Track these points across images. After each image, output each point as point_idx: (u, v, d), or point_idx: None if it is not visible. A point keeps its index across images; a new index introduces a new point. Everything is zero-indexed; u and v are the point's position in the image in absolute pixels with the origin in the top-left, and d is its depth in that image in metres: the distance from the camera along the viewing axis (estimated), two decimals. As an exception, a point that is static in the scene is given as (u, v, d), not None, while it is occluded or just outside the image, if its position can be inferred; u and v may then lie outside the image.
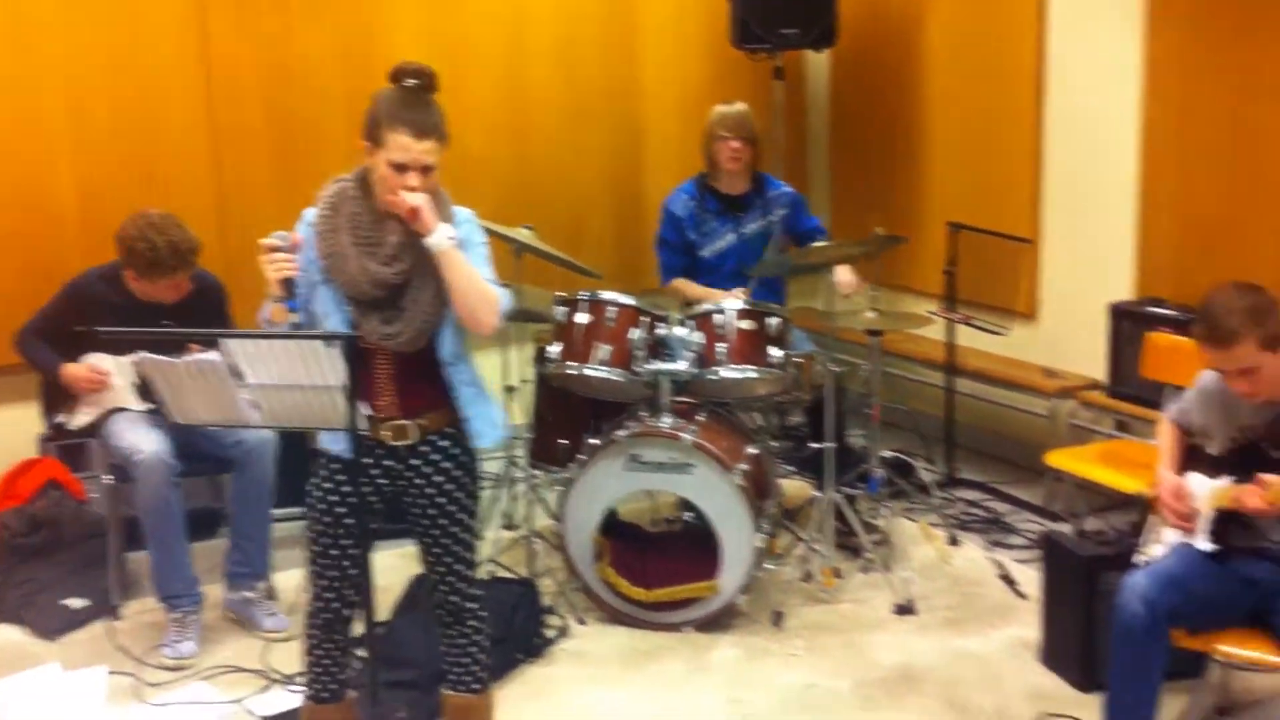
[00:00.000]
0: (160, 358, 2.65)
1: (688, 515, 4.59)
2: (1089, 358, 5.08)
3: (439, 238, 2.89)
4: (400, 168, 2.90)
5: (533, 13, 5.69)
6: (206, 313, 4.19)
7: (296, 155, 5.25)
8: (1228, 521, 3.18)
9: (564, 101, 5.81)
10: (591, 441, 4.19)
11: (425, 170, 2.91)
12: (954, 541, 4.81)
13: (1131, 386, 4.74)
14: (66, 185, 4.85)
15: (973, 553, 4.74)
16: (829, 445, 4.32)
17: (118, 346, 4.06)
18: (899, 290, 6.02)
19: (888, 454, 5.08)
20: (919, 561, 4.62)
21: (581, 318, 4.22)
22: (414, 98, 2.94)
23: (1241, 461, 3.19)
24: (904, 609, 4.26)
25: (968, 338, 5.36)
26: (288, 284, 2.86)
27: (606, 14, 5.86)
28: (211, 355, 2.66)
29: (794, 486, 4.95)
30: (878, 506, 4.63)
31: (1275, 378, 3.08)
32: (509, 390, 4.60)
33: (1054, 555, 3.86)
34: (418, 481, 3.08)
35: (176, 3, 4.99)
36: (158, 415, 4.07)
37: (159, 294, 4.10)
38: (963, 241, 5.29)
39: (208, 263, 4.47)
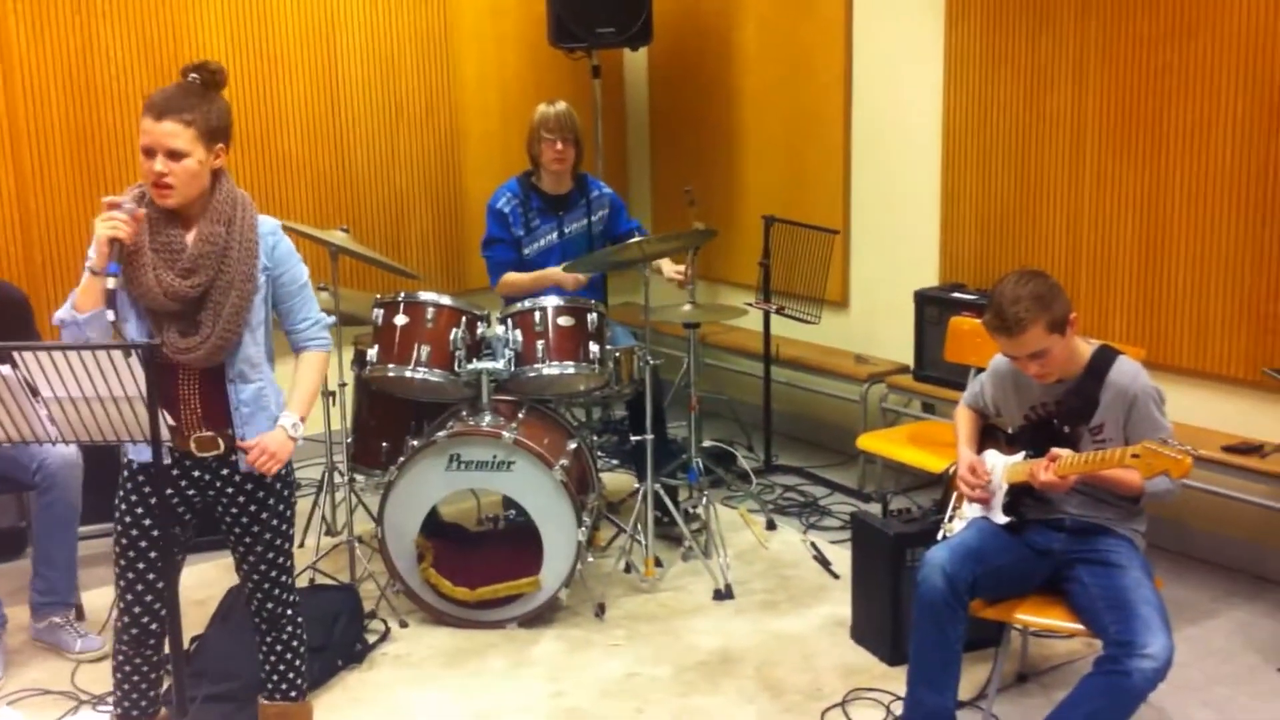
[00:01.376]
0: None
1: (511, 513, 4.60)
2: (897, 344, 5.26)
3: (292, 435, 3.01)
4: (148, 152, 2.85)
5: (345, 14, 5.64)
6: (8, 328, 4.03)
7: (100, 163, 5.11)
8: (1022, 495, 3.32)
9: (381, 102, 5.78)
10: (412, 443, 4.18)
11: (173, 155, 2.84)
12: (771, 526, 4.93)
13: (937, 369, 4.92)
14: None
15: (789, 536, 4.87)
16: (648, 437, 4.39)
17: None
18: (716, 283, 6.14)
19: (708, 444, 5.19)
20: (738, 547, 4.73)
21: (400, 319, 4.21)
22: (177, 88, 2.89)
23: (1034, 438, 3.33)
24: (722, 594, 4.35)
25: (783, 327, 5.49)
26: (116, 246, 2.76)
27: (420, 15, 5.84)
28: (3, 369, 2.58)
29: (617, 479, 5.01)
30: (698, 495, 4.73)
31: (1063, 358, 3.22)
32: (328, 395, 4.54)
33: (862, 534, 3.99)
34: (228, 490, 3.05)
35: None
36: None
37: None
38: (776, 234, 5.42)
39: (11, 276, 4.34)
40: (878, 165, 5.48)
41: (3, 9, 4.86)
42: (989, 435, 3.54)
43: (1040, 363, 3.21)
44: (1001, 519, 3.33)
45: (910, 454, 4.48)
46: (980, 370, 3.60)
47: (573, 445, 4.32)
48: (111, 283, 2.74)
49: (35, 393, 2.62)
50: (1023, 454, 3.33)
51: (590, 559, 4.31)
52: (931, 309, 5.01)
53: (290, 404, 3.05)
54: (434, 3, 5.87)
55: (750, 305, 5.22)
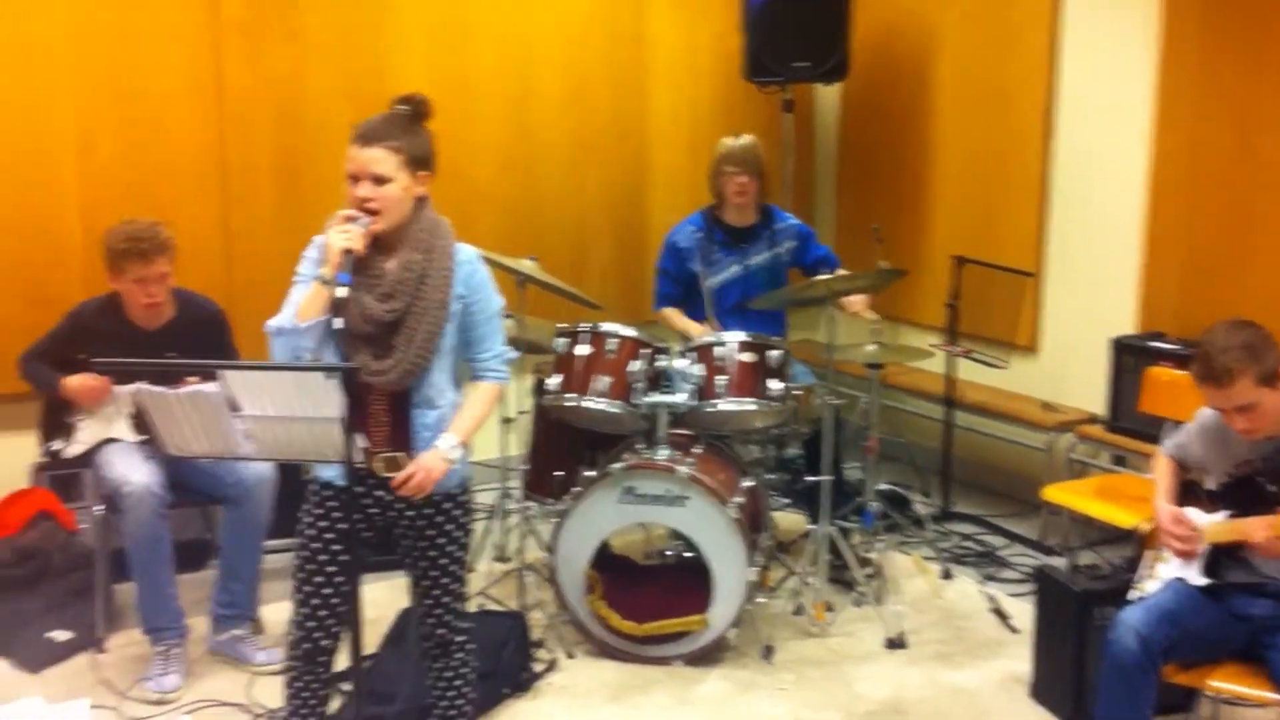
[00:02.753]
0: (155, 389, 2.66)
1: (680, 548, 4.57)
2: (1088, 392, 5.06)
3: (448, 458, 2.98)
4: (354, 178, 2.92)
5: (541, 49, 5.73)
6: (207, 343, 4.19)
7: (302, 191, 5.28)
8: (1221, 556, 3.16)
9: (570, 135, 5.84)
10: (586, 474, 4.18)
11: (377, 180, 2.90)
12: (947, 575, 4.79)
13: (1130, 421, 4.71)
14: (72, 215, 4.88)
15: (966, 586, 4.71)
16: (825, 478, 4.30)
17: (115, 376, 4.08)
18: (900, 323, 6.02)
19: (884, 487, 5.07)
20: (912, 595, 4.60)
21: (582, 349, 4.23)
22: (385, 117, 2.96)
23: (1238, 496, 3.17)
24: (895, 643, 4.23)
25: (967, 371, 5.34)
26: (349, 257, 2.83)
27: (616, 49, 5.90)
28: (208, 386, 2.66)
29: (789, 519, 4.93)
30: (872, 540, 4.61)
31: (1273, 413, 3.06)
32: (506, 421, 4.60)
33: (1048, 589, 3.84)
34: (409, 513, 3.08)
35: (191, 36, 5.02)
36: (150, 446, 4.10)
37: (130, 296, 4.07)
38: (966, 275, 5.29)
39: (212, 294, 4.51)
40: (1077, 206, 5.29)
41: (218, 41, 5.07)
42: (1187, 492, 3.37)
43: (1248, 417, 3.05)
44: (1200, 581, 3.17)
45: (1099, 508, 4.29)
46: (1178, 423, 3.44)
47: (747, 483, 4.27)
48: (341, 291, 2.80)
49: (237, 410, 2.69)
50: (1225, 513, 3.15)
51: (760, 599, 4.24)
52: (1128, 358, 4.81)
53: (453, 425, 3.04)
54: (630, 38, 5.92)
55: (936, 347, 5.09)
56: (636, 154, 6.02)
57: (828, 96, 6.48)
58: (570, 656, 4.15)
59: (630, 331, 4.27)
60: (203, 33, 5.05)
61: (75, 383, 4.09)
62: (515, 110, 5.71)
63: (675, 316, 4.79)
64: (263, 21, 5.15)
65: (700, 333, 4.55)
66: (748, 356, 4.23)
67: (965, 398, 5.39)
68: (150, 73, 4.98)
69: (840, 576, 4.56)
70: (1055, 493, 4.50)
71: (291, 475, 4.56)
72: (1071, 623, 3.69)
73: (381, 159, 2.91)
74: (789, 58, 5.71)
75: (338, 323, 2.81)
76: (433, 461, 2.98)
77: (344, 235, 2.85)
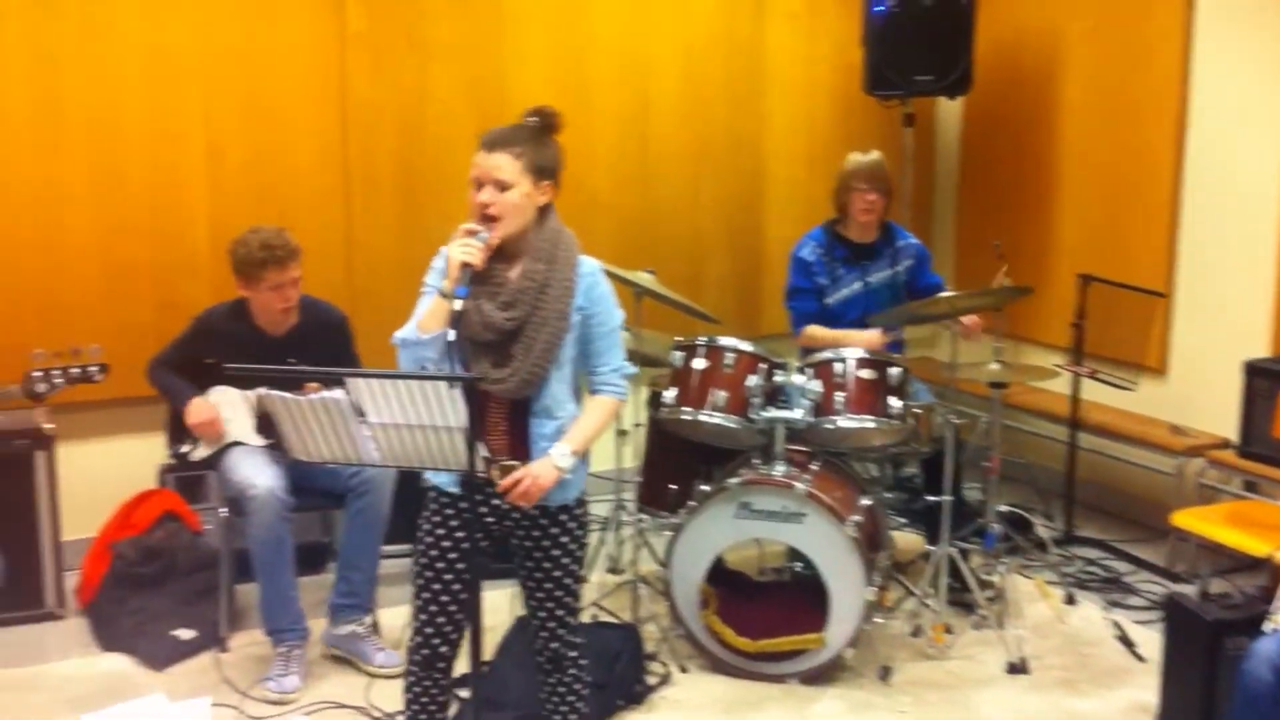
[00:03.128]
0: (285, 395, 2.69)
1: (796, 565, 4.52)
2: (1219, 416, 4.89)
3: (559, 466, 2.96)
4: (477, 184, 2.95)
5: (660, 60, 5.73)
6: (329, 349, 4.24)
7: (422, 200, 5.34)
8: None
9: (687, 147, 5.83)
10: (702, 488, 4.16)
11: (499, 186, 2.92)
12: (1070, 600, 4.67)
13: (1263, 446, 4.53)
14: (201, 223, 4.99)
15: (1090, 612, 4.60)
16: (946, 498, 4.22)
17: (241, 380, 4.16)
18: (1023, 342, 5.89)
19: (1005, 508, 4.96)
20: (1033, 620, 4.49)
21: (699, 363, 4.21)
22: (512, 127, 2.98)
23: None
24: (1016, 668, 4.13)
25: (1093, 392, 5.21)
26: (467, 271, 2.85)
27: (734, 61, 5.87)
28: (336, 393, 2.69)
29: (906, 539, 4.85)
30: (992, 562, 4.51)
31: None
32: (621, 434, 4.59)
33: (1177, 617, 3.71)
34: (524, 523, 3.08)
35: (317, 48, 5.11)
36: (274, 450, 4.17)
37: (264, 304, 4.15)
38: (1092, 293, 5.16)
39: (333, 301, 4.58)
40: (1209, 223, 5.14)
41: (343, 53, 5.16)
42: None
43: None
44: (1342, 615, 3.04)
45: (1230, 535, 4.16)
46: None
47: (866, 501, 4.21)
48: (458, 304, 2.82)
49: (363, 417, 2.72)
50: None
51: (877, 619, 4.17)
52: (1261, 381, 4.62)
53: (568, 436, 3.02)
54: (748, 50, 5.89)
55: (1061, 368, 4.97)
56: (753, 167, 5.99)
57: (949, 110, 6.38)
58: (683, 671, 4.13)
59: (747, 346, 4.24)
60: (329, 45, 5.14)
61: (195, 421, 4.17)
62: (633, 122, 5.72)
63: (823, 331, 4.70)
64: (387, 34, 5.23)
65: (867, 341, 4.47)
66: (867, 373, 4.17)
67: (1090, 419, 5.26)
68: (277, 84, 5.07)
69: (960, 599, 4.46)
70: (1185, 518, 4.36)
71: (408, 481, 4.62)
72: (1202, 653, 3.56)
73: (504, 165, 2.93)
74: (911, 70, 5.64)
75: (451, 335, 2.82)
76: (542, 469, 2.97)
77: (464, 249, 2.87)
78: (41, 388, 3.66)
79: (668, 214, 5.82)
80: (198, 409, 4.18)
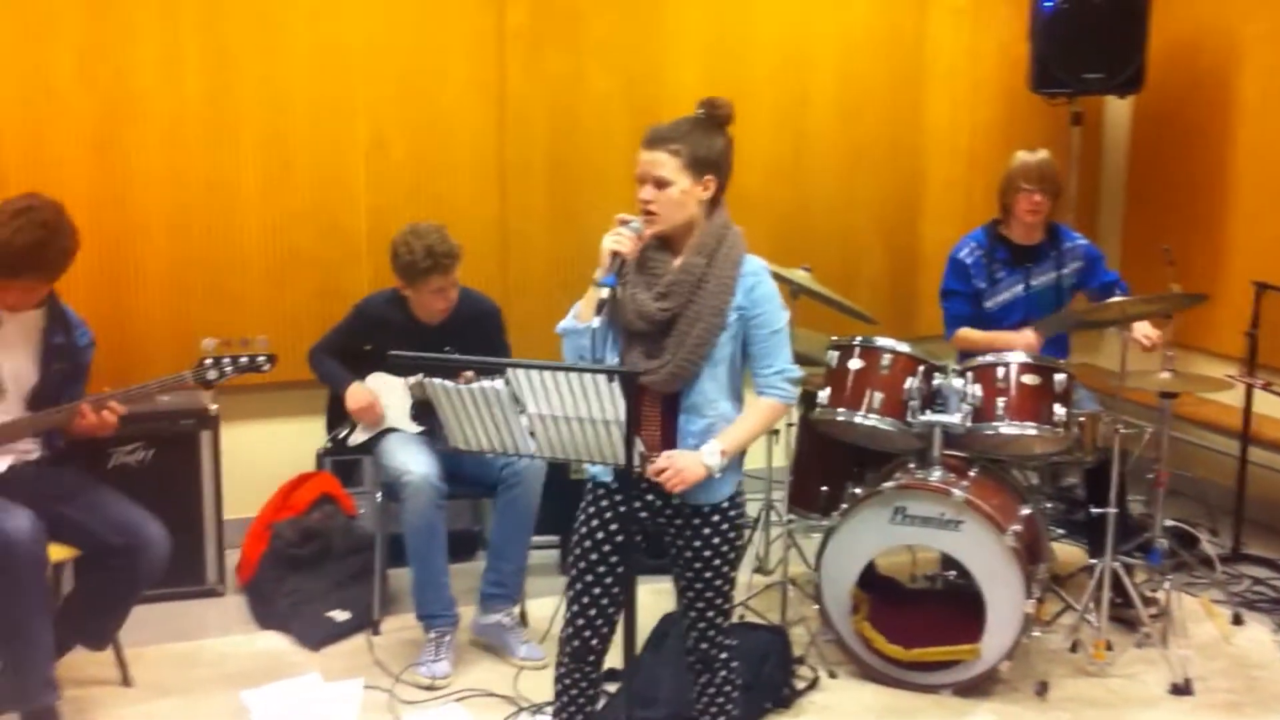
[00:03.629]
0: (447, 383, 2.71)
1: (950, 573, 4.41)
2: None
3: (706, 463, 2.92)
4: (640, 179, 2.95)
5: (817, 55, 5.65)
6: (483, 338, 4.29)
7: (576, 194, 5.35)
8: None
9: (844, 143, 5.74)
10: (855, 491, 4.08)
11: (658, 184, 2.91)
12: (1238, 620, 4.48)
13: None
14: (361, 212, 5.07)
15: (1258, 633, 4.40)
16: (1110, 511, 4.07)
17: (399, 367, 4.22)
18: (1193, 351, 5.66)
19: (1169, 523, 4.77)
20: (1199, 640, 4.31)
21: (854, 363, 4.13)
22: (676, 121, 2.97)
23: None
24: (1180, 689, 3.97)
25: (1265, 404, 4.98)
26: (617, 260, 2.86)
27: (895, 56, 5.76)
28: (496, 383, 2.70)
29: (1065, 551, 4.70)
30: (1157, 579, 4.34)
31: None
32: (772, 433, 4.52)
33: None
34: (677, 520, 3.05)
35: (477, 44, 5.15)
36: (429, 437, 4.23)
37: (424, 303, 4.20)
38: (1267, 302, 4.93)
39: (487, 291, 4.62)
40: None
41: (502, 48, 5.19)
42: None
43: None
44: None
45: None
46: None
47: (1025, 510, 4.08)
48: (604, 293, 2.82)
49: (521, 407, 2.72)
50: None
51: (1035, 633, 4.04)
52: None
53: (722, 434, 2.98)
54: (909, 45, 5.78)
55: (1233, 378, 4.75)
56: (911, 164, 5.87)
57: (1118, 110, 6.16)
58: (832, 676, 4.06)
59: (905, 347, 4.15)
60: (488, 40, 5.18)
61: (355, 404, 4.26)
62: (789, 117, 5.65)
63: (976, 333, 4.58)
64: (545, 29, 5.25)
65: (1022, 343, 4.34)
66: (1030, 379, 4.05)
67: (1263, 433, 5.03)
68: (437, 78, 5.13)
69: (1121, 615, 4.30)
70: (1366, 541, 4.14)
71: (558, 473, 4.64)
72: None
73: (662, 162, 2.92)
74: (1080, 68, 5.46)
75: (595, 322, 2.82)
76: (686, 462, 2.92)
77: (615, 238, 2.88)
78: (212, 375, 3.75)
79: (822, 211, 5.74)
80: (356, 394, 4.26)
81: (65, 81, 4.63)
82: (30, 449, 3.73)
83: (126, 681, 3.97)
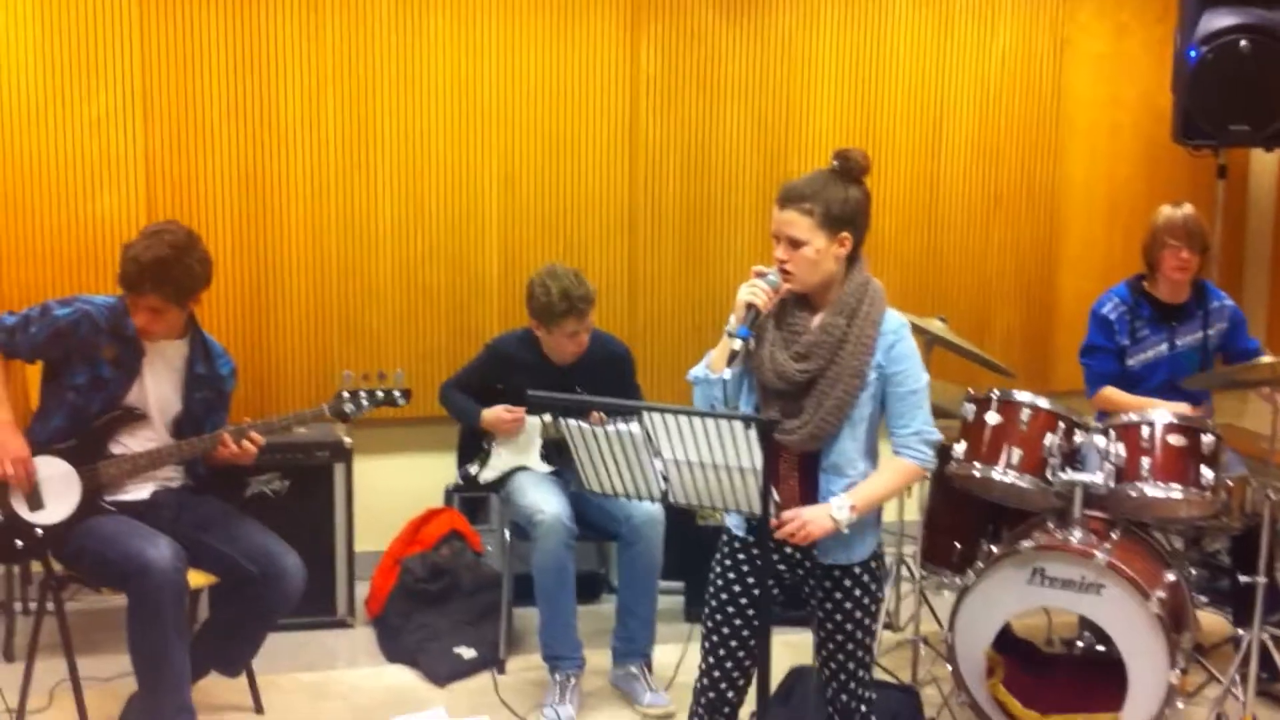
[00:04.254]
0: (583, 424, 2.70)
1: (1088, 637, 4.27)
2: None
3: (835, 518, 2.88)
4: (775, 237, 2.92)
5: (954, 102, 5.60)
6: (612, 380, 4.30)
7: (705, 238, 5.36)
8: None
9: (979, 192, 5.67)
10: (991, 549, 3.98)
11: (792, 244, 2.87)
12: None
13: None
14: (493, 250, 5.13)
15: None
16: (1259, 580, 3.91)
17: (530, 408, 4.24)
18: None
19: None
20: (1355, 722, 4.12)
21: (992, 418, 4.03)
22: (809, 176, 2.94)
23: None
24: (1335, 774, 3.79)
25: None
26: (751, 312, 2.83)
27: (1032, 102, 5.68)
28: (631, 426, 2.69)
29: (1209, 620, 4.53)
30: (1308, 654, 4.16)
31: None
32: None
33: None
34: (816, 573, 3.01)
35: (611, 87, 5.20)
36: (560, 477, 4.23)
37: (557, 345, 4.23)
38: None
39: (616, 332, 4.63)
40: None
41: (635, 91, 5.23)
42: None
43: None
44: None
45: None
46: None
47: (1170, 576, 3.94)
48: (737, 344, 2.79)
49: (658, 453, 2.70)
50: None
51: (1179, 705, 3.89)
52: None
53: (854, 490, 2.92)
54: (1047, 92, 5.69)
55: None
56: (1048, 214, 5.76)
57: (1265, 163, 5.99)
58: (965, 739, 3.96)
59: (1045, 402, 4.04)
60: (622, 82, 5.22)
61: (493, 415, 4.29)
62: (923, 164, 5.60)
63: (1122, 396, 4.44)
64: (678, 75, 5.28)
65: (1169, 408, 4.19)
66: (1176, 439, 3.91)
67: None
68: (572, 121, 5.18)
69: (1269, 689, 4.13)
70: None
71: (683, 519, 4.62)
72: None
73: (794, 221, 2.88)
74: (1226, 120, 5.30)
75: (727, 374, 2.80)
76: (815, 515, 2.88)
77: (751, 290, 2.85)
78: (349, 409, 3.81)
79: (955, 260, 5.66)
80: (490, 412, 4.30)
81: (214, 117, 4.77)
82: (173, 476, 3.81)
83: (259, 709, 4.02)
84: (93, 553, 3.55)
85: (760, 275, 2.88)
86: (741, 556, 3.03)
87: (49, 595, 3.71)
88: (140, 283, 3.57)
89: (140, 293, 3.58)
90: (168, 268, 3.57)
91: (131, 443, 3.69)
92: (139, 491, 3.72)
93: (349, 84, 4.91)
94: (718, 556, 3.07)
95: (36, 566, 3.99)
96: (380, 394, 3.85)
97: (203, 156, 4.79)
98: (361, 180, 4.97)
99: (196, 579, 3.65)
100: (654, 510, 4.13)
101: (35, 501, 3.59)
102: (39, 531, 3.59)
